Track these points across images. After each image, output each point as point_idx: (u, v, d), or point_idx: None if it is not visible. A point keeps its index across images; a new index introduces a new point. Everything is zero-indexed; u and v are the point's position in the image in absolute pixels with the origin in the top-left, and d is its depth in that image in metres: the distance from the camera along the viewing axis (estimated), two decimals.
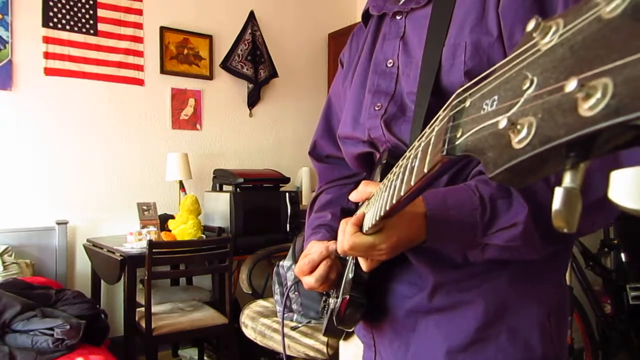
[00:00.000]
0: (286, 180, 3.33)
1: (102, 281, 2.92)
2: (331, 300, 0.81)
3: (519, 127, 0.23)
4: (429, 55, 0.68)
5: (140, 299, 2.55)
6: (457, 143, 0.30)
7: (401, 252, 0.64)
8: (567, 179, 0.22)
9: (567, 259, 0.73)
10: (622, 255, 2.99)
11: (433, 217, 0.59)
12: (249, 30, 3.71)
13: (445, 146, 0.32)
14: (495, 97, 0.26)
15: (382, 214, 0.51)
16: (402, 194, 0.44)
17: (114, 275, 2.56)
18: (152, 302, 2.47)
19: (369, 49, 0.84)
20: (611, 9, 0.19)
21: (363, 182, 0.64)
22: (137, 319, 2.54)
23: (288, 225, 3.21)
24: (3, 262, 2.56)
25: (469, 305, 0.67)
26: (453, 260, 0.67)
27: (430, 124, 0.38)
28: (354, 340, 0.89)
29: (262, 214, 3.16)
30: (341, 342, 0.97)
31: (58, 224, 2.95)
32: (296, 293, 1.04)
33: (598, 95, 0.19)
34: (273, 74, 3.81)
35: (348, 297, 0.70)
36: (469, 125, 0.29)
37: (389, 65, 0.77)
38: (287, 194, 3.26)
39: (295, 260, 0.97)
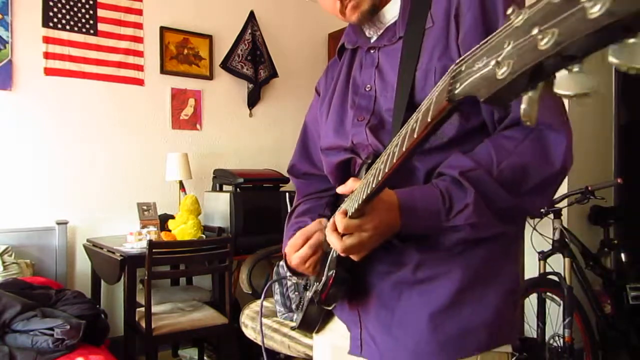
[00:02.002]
0: (286, 180, 3.33)
1: (102, 281, 2.93)
2: (308, 293, 0.90)
3: (501, 65, 0.36)
4: (403, 77, 0.83)
5: (140, 299, 2.55)
6: (456, 91, 0.44)
7: (384, 239, 0.76)
8: (531, 93, 0.36)
9: (521, 243, 0.90)
10: (622, 255, 2.99)
11: (404, 206, 0.74)
12: (249, 30, 3.71)
13: (448, 94, 0.45)
14: (485, 57, 0.39)
15: (373, 186, 0.64)
16: (394, 160, 0.58)
17: (114, 275, 2.56)
18: (152, 302, 2.47)
19: (345, 76, 0.97)
20: None
21: (351, 178, 0.77)
22: (137, 319, 2.53)
23: None
24: (3, 262, 2.56)
25: (448, 274, 0.80)
26: (436, 241, 0.79)
27: (429, 95, 0.51)
28: (327, 330, 0.98)
29: (262, 214, 3.16)
30: (315, 337, 1.02)
31: (58, 224, 2.95)
32: (296, 293, 1.05)
33: (549, 36, 0.32)
34: (273, 74, 3.81)
35: (334, 272, 0.80)
36: (464, 78, 0.43)
37: (367, 89, 0.90)
38: (287, 194, 3.25)
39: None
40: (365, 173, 0.76)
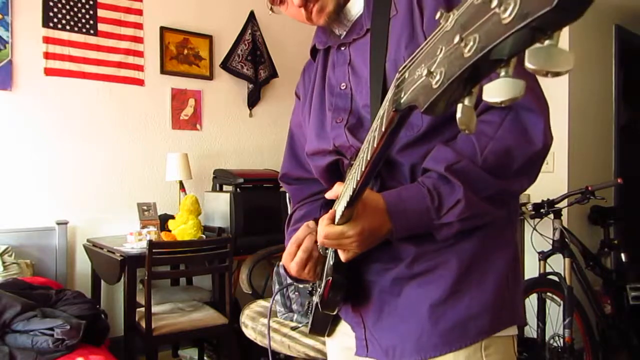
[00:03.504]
0: None
1: (102, 281, 2.93)
2: (314, 298, 0.90)
3: (434, 73, 0.37)
4: (374, 71, 0.83)
5: (140, 299, 2.55)
6: (401, 101, 0.45)
7: (373, 244, 0.76)
8: (466, 101, 0.36)
9: (517, 222, 0.91)
10: (622, 255, 2.99)
11: (392, 209, 0.74)
12: (249, 30, 3.71)
13: (394, 105, 0.46)
14: (423, 65, 0.40)
15: (350, 193, 0.64)
16: (363, 168, 0.58)
17: (114, 275, 2.56)
18: (152, 302, 2.47)
19: (321, 77, 0.97)
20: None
21: (337, 183, 0.77)
22: (137, 319, 2.54)
23: None
24: (3, 262, 2.56)
25: (445, 265, 0.80)
26: (430, 234, 0.78)
27: (382, 107, 0.52)
28: (338, 333, 0.98)
29: (262, 214, 3.16)
30: (327, 340, 1.02)
31: (58, 224, 2.95)
32: (296, 293, 1.05)
33: (471, 42, 0.32)
34: (273, 74, 3.81)
35: (331, 279, 0.80)
36: (408, 86, 0.43)
37: (343, 88, 0.90)
38: (287, 194, 3.25)
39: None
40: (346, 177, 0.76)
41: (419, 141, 0.79)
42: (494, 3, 0.29)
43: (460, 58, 0.33)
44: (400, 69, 0.46)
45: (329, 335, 1.00)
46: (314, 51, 1.01)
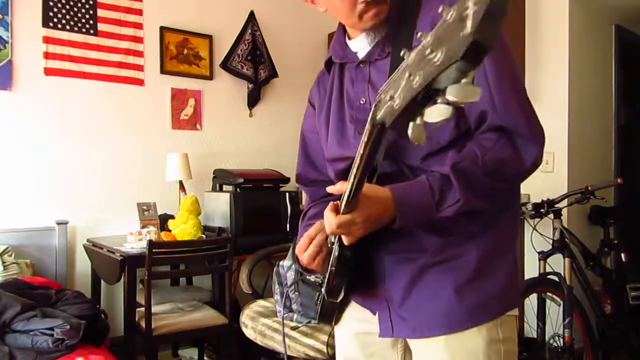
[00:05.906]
0: (286, 180, 3.33)
1: (102, 281, 2.93)
2: (322, 289, 0.99)
3: (395, 98, 0.50)
4: None
5: (140, 299, 2.55)
6: (377, 118, 0.57)
7: (374, 229, 0.85)
8: (417, 120, 0.48)
9: (519, 219, 1.07)
10: (622, 255, 2.99)
11: (398, 199, 0.85)
12: (249, 30, 3.71)
13: (371, 121, 0.59)
14: (392, 91, 0.52)
15: (348, 191, 0.76)
16: (355, 172, 0.71)
17: (114, 275, 2.56)
18: (152, 302, 2.47)
19: (338, 90, 1.05)
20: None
21: (340, 182, 0.86)
22: (137, 319, 2.54)
23: (288, 225, 3.21)
24: (3, 262, 2.56)
25: (466, 254, 0.92)
26: (452, 226, 0.90)
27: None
28: (345, 320, 1.08)
29: (262, 214, 3.16)
30: (335, 328, 1.11)
31: (58, 224, 2.95)
32: (296, 293, 1.06)
33: (417, 77, 0.45)
34: (273, 74, 3.81)
35: (334, 269, 0.92)
36: (381, 106, 0.56)
37: (362, 103, 0.98)
38: (287, 194, 3.26)
39: (294, 259, 1.04)
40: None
41: (440, 151, 0.90)
42: (428, 51, 0.44)
43: (411, 89, 0.46)
44: (379, 92, 0.57)
45: (336, 323, 1.09)
46: (328, 63, 1.08)
